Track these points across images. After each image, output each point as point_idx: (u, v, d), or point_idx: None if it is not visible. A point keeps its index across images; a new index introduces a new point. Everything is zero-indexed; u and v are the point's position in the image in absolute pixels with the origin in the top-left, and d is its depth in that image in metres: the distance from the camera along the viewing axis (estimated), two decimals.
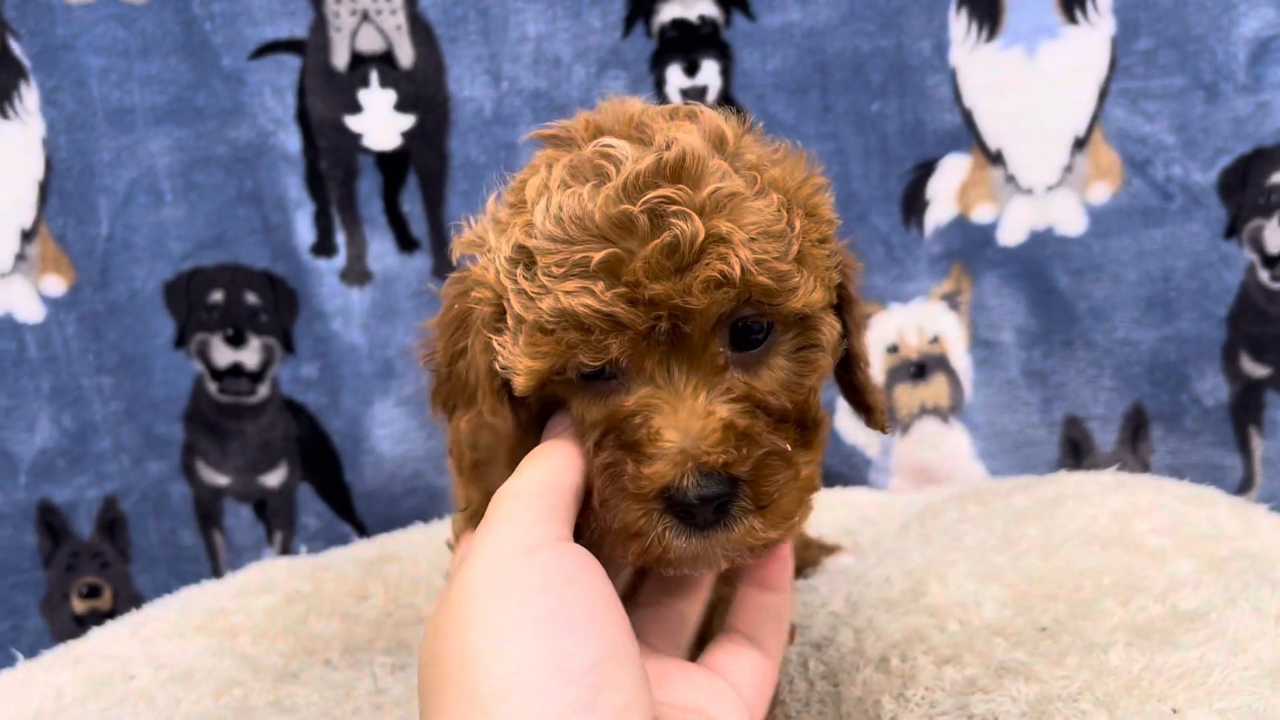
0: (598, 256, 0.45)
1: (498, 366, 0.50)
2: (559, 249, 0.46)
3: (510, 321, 0.48)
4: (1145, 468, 1.05)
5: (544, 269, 0.46)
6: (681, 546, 0.47)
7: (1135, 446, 1.05)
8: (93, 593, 1.05)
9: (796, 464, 0.48)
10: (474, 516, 0.55)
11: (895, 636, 0.69)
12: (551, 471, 0.48)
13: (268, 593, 0.89)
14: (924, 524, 0.90)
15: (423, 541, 0.99)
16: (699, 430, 0.46)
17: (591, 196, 0.46)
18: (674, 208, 0.45)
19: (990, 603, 0.71)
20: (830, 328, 0.51)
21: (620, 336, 0.46)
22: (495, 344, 0.49)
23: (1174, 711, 0.59)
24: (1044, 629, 0.67)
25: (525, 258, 0.47)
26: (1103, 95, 0.99)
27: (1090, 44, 0.98)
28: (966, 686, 0.63)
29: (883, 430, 0.58)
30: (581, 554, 0.45)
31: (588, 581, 0.44)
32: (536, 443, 0.52)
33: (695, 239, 0.45)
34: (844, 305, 0.54)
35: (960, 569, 0.75)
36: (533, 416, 0.54)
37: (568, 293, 0.45)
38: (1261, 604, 0.68)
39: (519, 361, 0.48)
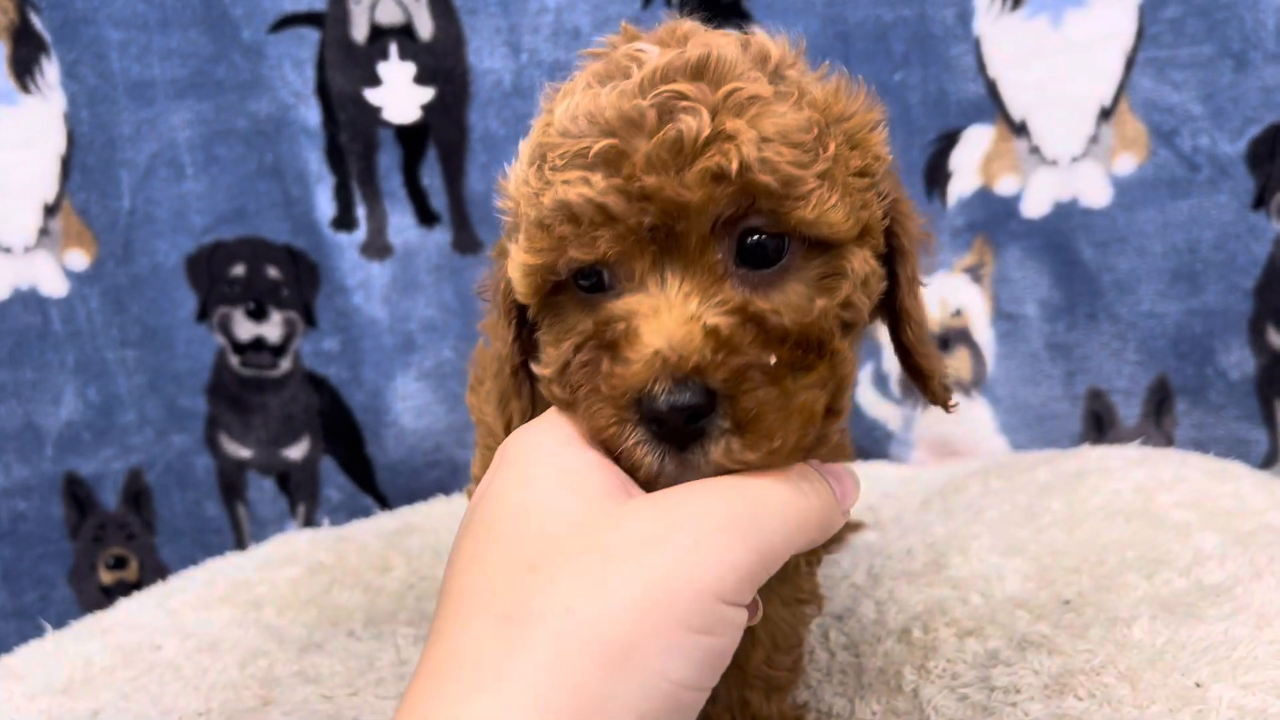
0: (597, 146, 0.43)
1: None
2: (566, 143, 0.44)
3: (521, 224, 0.47)
4: (1169, 441, 1.04)
5: (550, 164, 0.45)
6: (652, 465, 0.43)
7: (1159, 420, 1.05)
8: (119, 564, 1.06)
9: (785, 383, 0.43)
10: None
11: (917, 608, 0.69)
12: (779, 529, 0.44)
13: (291, 565, 0.89)
14: (946, 498, 0.90)
15: (444, 513, 1.00)
16: (681, 336, 0.42)
17: (609, 94, 0.44)
18: (685, 104, 0.43)
19: (1013, 575, 0.71)
20: (862, 261, 0.47)
21: (611, 230, 0.43)
22: (510, 250, 0.48)
23: (1197, 685, 0.58)
24: (1067, 602, 0.67)
25: (540, 157, 0.46)
26: (1129, 64, 0.98)
27: (1117, 12, 0.96)
28: (988, 659, 0.63)
29: (944, 406, 0.53)
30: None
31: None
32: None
33: (699, 135, 0.42)
34: (894, 256, 0.50)
35: (982, 542, 0.75)
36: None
37: (565, 183, 0.44)
38: None
39: (518, 259, 0.46)
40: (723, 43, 0.45)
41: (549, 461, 0.43)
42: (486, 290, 0.55)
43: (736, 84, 0.43)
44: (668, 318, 0.43)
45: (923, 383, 0.53)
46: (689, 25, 0.49)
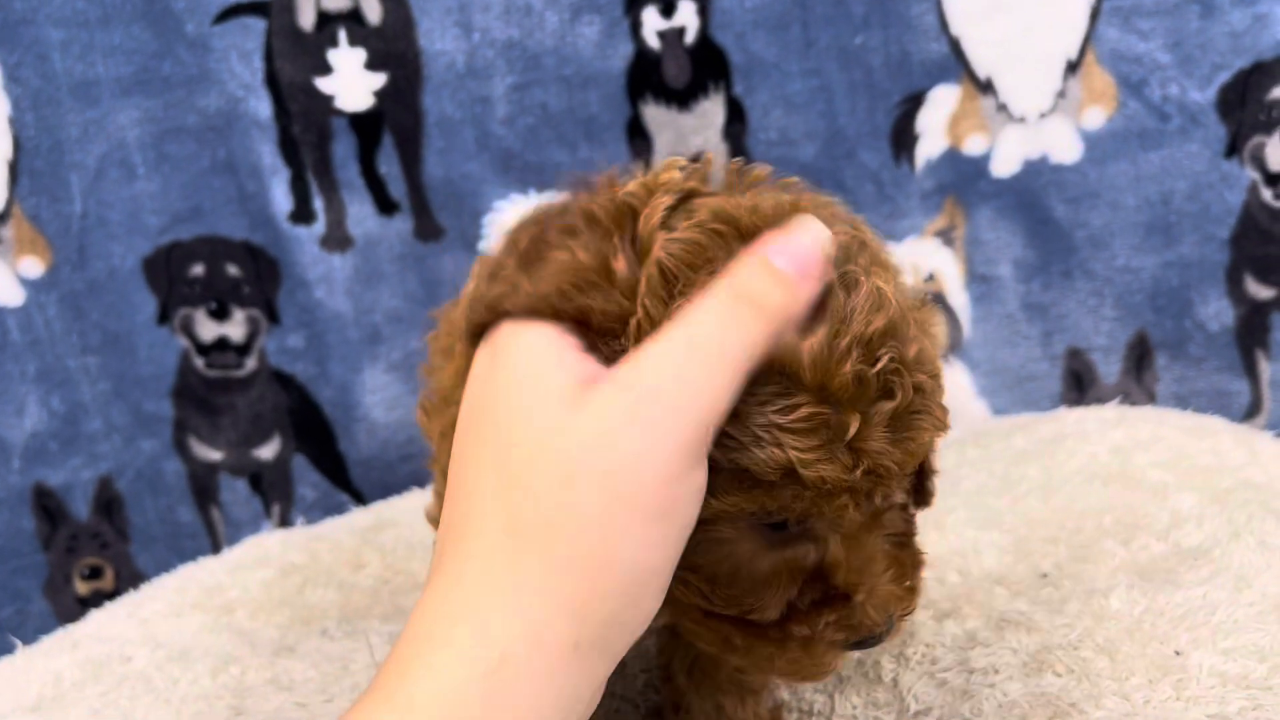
0: (824, 416, 0.42)
1: None
2: (771, 397, 0.42)
3: None
4: (1151, 397, 1.03)
5: (759, 411, 0.42)
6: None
7: (1140, 376, 1.03)
8: (94, 574, 1.05)
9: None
10: None
11: None
12: (729, 368, 0.41)
13: (263, 567, 0.88)
14: None
15: (419, 507, 0.97)
16: (894, 594, 0.47)
17: (814, 349, 0.42)
18: (895, 366, 0.43)
19: (990, 549, 0.70)
20: None
21: (837, 498, 0.44)
22: None
23: (1177, 654, 0.58)
24: (1045, 575, 0.66)
25: None
26: (1094, 15, 0.95)
27: None
28: (967, 640, 0.62)
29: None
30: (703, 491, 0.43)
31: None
32: None
33: (909, 404, 0.43)
34: None
35: (959, 516, 0.74)
36: None
37: (796, 450, 0.42)
38: (1266, 537, 0.67)
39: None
40: (889, 291, 0.44)
41: (515, 365, 0.43)
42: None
43: (912, 344, 0.44)
44: (881, 573, 0.47)
45: (922, 496, 0.55)
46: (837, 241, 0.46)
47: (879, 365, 0.42)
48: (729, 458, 0.42)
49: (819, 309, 0.43)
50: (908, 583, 0.49)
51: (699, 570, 0.46)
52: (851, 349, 0.42)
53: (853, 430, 0.42)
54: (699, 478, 0.41)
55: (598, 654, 0.40)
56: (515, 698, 0.38)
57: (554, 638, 0.39)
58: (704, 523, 0.43)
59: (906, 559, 0.49)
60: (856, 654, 0.50)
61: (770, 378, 0.42)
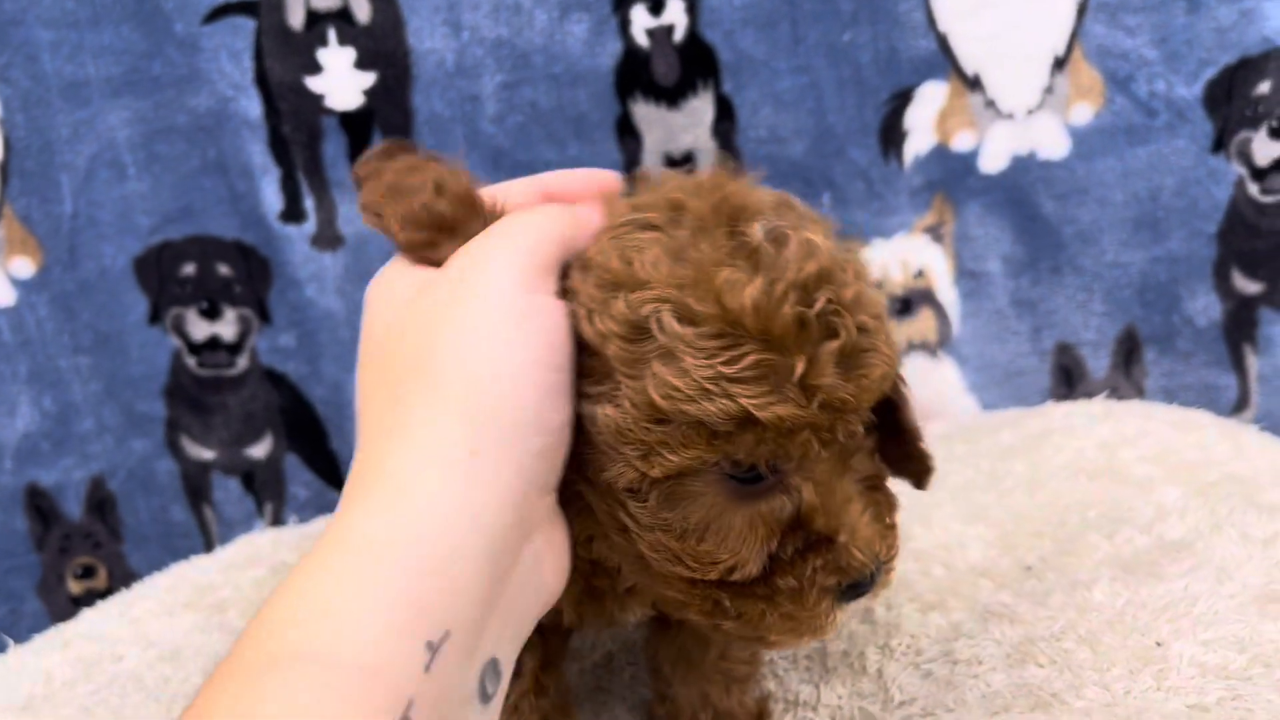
0: (770, 359, 0.43)
1: None
2: (715, 347, 0.43)
3: (629, 406, 0.45)
4: (1140, 392, 1.04)
5: (697, 366, 0.43)
6: (834, 613, 0.49)
7: (1129, 371, 1.04)
8: (87, 573, 1.05)
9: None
10: None
11: None
12: (545, 225, 0.48)
13: (255, 566, 0.89)
14: None
15: None
16: (876, 534, 0.48)
17: (754, 294, 0.43)
18: (834, 307, 0.44)
19: (976, 543, 0.71)
20: None
21: (798, 437, 0.45)
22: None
23: (1158, 645, 0.58)
24: (1029, 568, 0.67)
25: (668, 352, 0.44)
26: (1081, 11, 0.96)
27: None
28: (951, 632, 0.62)
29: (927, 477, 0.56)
30: (565, 317, 0.47)
31: (568, 349, 0.46)
32: None
33: (855, 344, 0.45)
34: None
35: (945, 510, 0.74)
36: None
37: (750, 398, 0.43)
38: (1248, 529, 0.67)
39: (660, 456, 0.45)
40: (820, 241, 0.46)
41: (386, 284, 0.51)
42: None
43: (849, 287, 0.45)
44: (860, 514, 0.47)
45: (921, 464, 0.55)
46: (756, 201, 0.48)
47: (817, 307, 0.44)
48: (679, 409, 0.43)
49: (754, 266, 0.44)
50: (887, 520, 0.50)
51: (669, 527, 0.47)
52: (788, 293, 0.43)
53: (799, 370, 0.43)
54: (547, 299, 0.46)
55: (500, 459, 0.42)
56: (418, 518, 0.40)
57: (449, 449, 0.42)
58: (669, 478, 0.45)
59: (882, 500, 0.50)
60: (851, 605, 0.49)
61: (715, 332, 0.43)
